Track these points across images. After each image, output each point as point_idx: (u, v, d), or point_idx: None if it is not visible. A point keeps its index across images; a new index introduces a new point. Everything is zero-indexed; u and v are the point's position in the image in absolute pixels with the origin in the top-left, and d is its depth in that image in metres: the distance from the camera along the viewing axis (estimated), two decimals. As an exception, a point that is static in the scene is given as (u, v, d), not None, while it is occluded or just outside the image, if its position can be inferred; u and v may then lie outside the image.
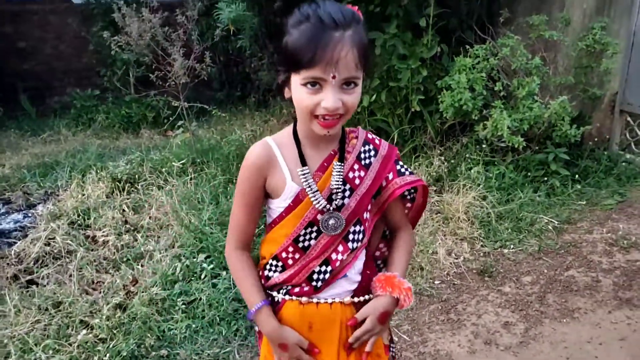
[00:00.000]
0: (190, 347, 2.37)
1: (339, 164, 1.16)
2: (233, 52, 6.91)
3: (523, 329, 2.48)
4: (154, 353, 2.33)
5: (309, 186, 1.14)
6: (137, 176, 4.24)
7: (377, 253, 1.37)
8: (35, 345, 2.30)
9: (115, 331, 2.41)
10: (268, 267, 1.23)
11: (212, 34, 5.73)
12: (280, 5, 6.31)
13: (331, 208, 1.14)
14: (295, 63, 1.01)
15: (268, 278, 1.23)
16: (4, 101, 7.30)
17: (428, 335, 2.48)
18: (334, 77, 0.99)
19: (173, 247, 3.15)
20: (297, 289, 1.20)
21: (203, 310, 2.56)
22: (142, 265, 3.05)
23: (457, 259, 3.07)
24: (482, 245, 3.20)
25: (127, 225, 3.61)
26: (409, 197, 1.34)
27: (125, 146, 5.72)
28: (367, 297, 1.24)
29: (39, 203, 4.34)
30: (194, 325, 2.48)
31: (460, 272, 2.97)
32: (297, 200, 1.15)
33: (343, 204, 1.15)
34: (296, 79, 1.04)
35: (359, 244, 1.20)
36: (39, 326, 2.45)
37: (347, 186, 1.16)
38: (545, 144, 3.87)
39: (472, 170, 3.70)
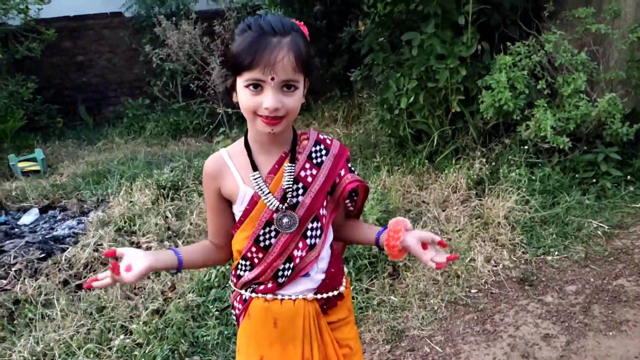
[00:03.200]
0: (223, 353, 2.42)
1: (290, 164, 1.22)
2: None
3: (564, 342, 2.36)
4: (187, 359, 2.40)
5: (260, 188, 1.21)
6: (180, 183, 4.38)
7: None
8: (78, 348, 2.43)
9: (151, 336, 2.50)
10: (239, 267, 1.29)
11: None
12: (320, 9, 6.33)
13: (284, 207, 1.20)
14: (238, 66, 1.10)
15: (239, 277, 1.29)
16: (64, 112, 7.76)
17: (462, 346, 2.40)
18: (272, 79, 1.07)
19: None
20: (262, 287, 1.26)
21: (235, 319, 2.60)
22: (180, 272, 3.14)
23: (496, 266, 2.96)
24: (523, 252, 3.06)
25: (169, 232, 3.74)
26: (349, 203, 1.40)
27: (173, 153, 5.93)
28: (330, 294, 1.30)
29: (91, 210, 4.58)
30: (226, 332, 2.53)
31: (498, 280, 2.86)
32: (253, 203, 1.22)
33: (298, 202, 1.21)
34: (240, 82, 1.12)
35: (318, 240, 1.25)
36: (83, 330, 2.58)
37: (300, 184, 1.22)
38: (594, 144, 3.65)
39: (514, 173, 3.55)
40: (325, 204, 1.26)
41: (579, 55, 3.43)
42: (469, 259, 2.99)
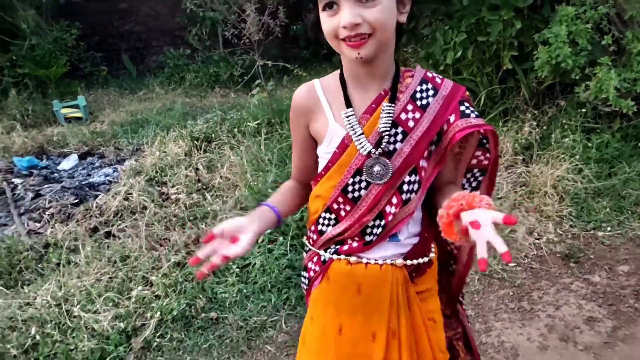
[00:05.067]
0: (240, 311, 2.36)
1: (389, 104, 1.05)
2: (320, 7, 6.68)
3: (610, 327, 2.14)
4: (203, 315, 2.35)
5: (352, 128, 1.06)
6: (213, 135, 4.29)
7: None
8: (98, 296, 2.42)
9: (170, 289, 2.46)
10: (321, 221, 1.16)
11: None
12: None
13: (377, 153, 1.05)
14: None
15: (321, 233, 1.16)
16: (107, 60, 7.79)
17: (493, 323, 2.23)
18: None
19: (236, 209, 3.14)
20: (345, 247, 1.13)
21: (255, 276, 2.52)
22: (206, 225, 3.09)
23: (538, 239, 2.72)
24: (571, 226, 2.80)
25: (199, 184, 3.68)
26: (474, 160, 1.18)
27: (210, 104, 5.84)
28: (421, 260, 1.15)
29: (127, 158, 4.59)
30: (245, 290, 2.46)
31: (540, 254, 2.63)
32: (343, 146, 1.08)
33: (394, 150, 1.06)
34: (320, 9, 1.00)
35: (414, 195, 1.09)
36: (105, 278, 2.57)
37: (399, 129, 1.06)
38: (663, 109, 3.25)
39: (568, 138, 3.23)
40: (426, 154, 1.09)
41: (655, 6, 3.00)
42: (509, 229, 2.76)
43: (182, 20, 7.73)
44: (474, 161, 1.21)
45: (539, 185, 2.97)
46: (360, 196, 1.09)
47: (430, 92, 1.09)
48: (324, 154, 1.13)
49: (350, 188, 1.09)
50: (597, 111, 3.39)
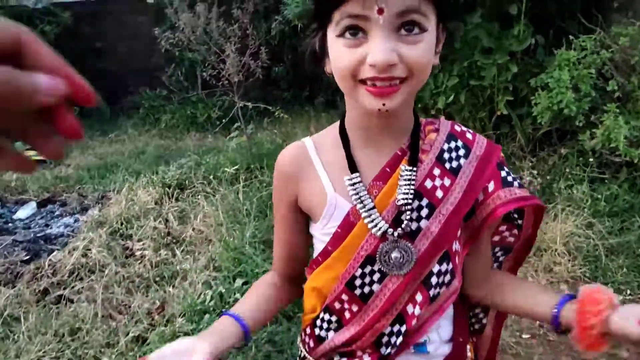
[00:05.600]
0: (209, 401, 1.95)
1: (410, 168, 0.80)
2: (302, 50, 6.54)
3: (649, 417, 1.80)
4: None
5: (361, 201, 0.79)
6: (187, 182, 3.95)
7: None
8: (37, 383, 1.99)
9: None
10: (319, 323, 0.88)
11: (278, 31, 5.38)
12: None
13: (395, 234, 0.78)
14: (323, 2, 0.71)
15: (320, 339, 0.89)
16: (79, 101, 7.44)
17: (512, 413, 1.87)
18: (380, 12, 0.66)
19: (208, 269, 2.77)
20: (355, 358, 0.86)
21: (229, 355, 2.13)
22: (173, 287, 2.70)
23: (552, 305, 2.40)
24: (587, 289, 2.49)
25: (169, 237, 3.30)
26: (505, 230, 0.95)
27: (186, 148, 5.51)
28: None
29: (91, 207, 4.19)
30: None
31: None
32: (347, 224, 0.81)
33: (419, 229, 0.80)
34: (331, 34, 0.72)
35: (443, 289, 0.84)
36: (47, 359, 2.15)
37: (424, 201, 0.80)
38: (672, 159, 3.05)
39: (573, 189, 2.98)
40: (459, 233, 0.84)
41: (662, 51, 2.84)
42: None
43: (160, 60, 7.50)
44: (496, 237, 0.95)
45: (547, 242, 2.68)
46: (372, 292, 0.82)
47: (462, 152, 0.84)
48: (321, 234, 0.86)
49: (358, 282, 0.82)
50: (600, 160, 3.17)
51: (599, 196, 2.93)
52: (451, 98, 3.71)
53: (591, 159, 3.10)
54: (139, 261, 3.04)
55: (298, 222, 0.90)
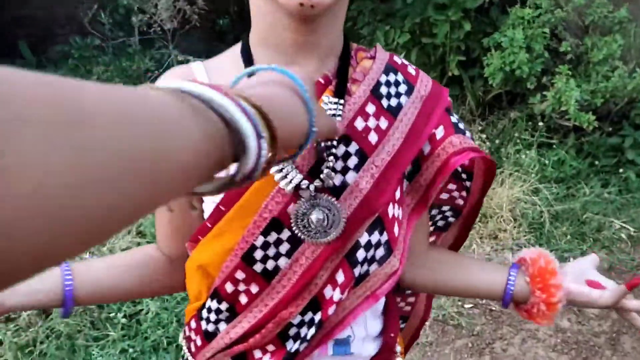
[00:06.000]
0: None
1: (335, 100, 0.61)
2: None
3: (588, 388, 1.75)
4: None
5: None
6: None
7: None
8: None
9: (24, 352, 1.79)
10: (205, 314, 0.67)
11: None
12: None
13: (312, 187, 0.59)
14: None
15: (208, 335, 0.67)
16: (2, 48, 6.73)
17: (451, 387, 1.78)
18: None
19: (131, 234, 2.50)
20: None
21: (147, 330, 1.91)
22: (91, 253, 2.42)
23: (496, 273, 2.32)
24: (531, 256, 2.43)
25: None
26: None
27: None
28: None
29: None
30: (131, 350, 1.84)
31: (500, 292, 2.23)
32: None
33: (344, 184, 0.61)
34: None
35: (374, 268, 0.64)
36: None
37: (353, 147, 0.61)
38: (620, 125, 3.01)
39: (522, 154, 2.89)
40: (399, 194, 0.65)
41: (617, 12, 2.73)
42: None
43: (92, 6, 6.86)
44: (445, 195, 0.78)
45: (492, 208, 2.59)
46: (278, 268, 0.62)
47: (403, 88, 0.66)
48: (208, 197, 0.64)
49: (259, 254, 0.61)
50: (549, 124, 3.09)
51: (547, 162, 2.86)
52: (402, 56, 3.51)
53: (540, 123, 3.01)
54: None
55: None
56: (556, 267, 0.72)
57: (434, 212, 0.81)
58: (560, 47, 2.85)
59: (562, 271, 0.72)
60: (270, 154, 0.35)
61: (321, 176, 0.59)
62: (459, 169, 0.74)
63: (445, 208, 0.80)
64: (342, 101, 0.61)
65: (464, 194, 0.77)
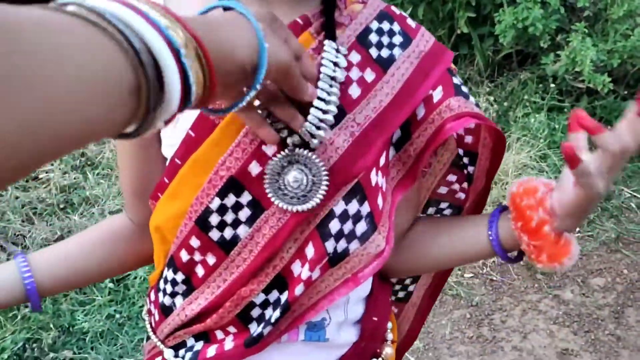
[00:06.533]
0: (106, 348, 1.69)
1: (330, 42, 0.52)
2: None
3: (589, 362, 1.69)
4: (52, 355, 1.66)
5: None
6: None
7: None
8: None
9: (7, 317, 1.74)
10: (162, 285, 0.60)
11: None
12: None
13: (290, 142, 0.50)
14: None
15: (165, 309, 0.60)
16: None
17: (446, 359, 1.72)
18: None
19: (121, 194, 2.43)
20: (211, 349, 0.57)
21: (136, 294, 1.85)
22: (80, 215, 2.36)
23: (498, 241, 2.24)
24: (535, 225, 2.34)
25: (82, 159, 2.89)
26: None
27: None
28: None
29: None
30: (118, 316, 1.79)
31: (501, 262, 2.15)
32: (206, 123, 0.52)
33: (319, 140, 0.51)
34: None
35: (355, 246, 0.55)
36: None
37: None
38: (635, 88, 2.86)
39: (530, 118, 2.76)
40: (384, 161, 0.56)
41: (641, -37, 2.53)
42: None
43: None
44: (444, 189, 0.69)
45: (498, 174, 2.46)
46: (237, 238, 0.54)
47: (397, 39, 0.57)
48: (169, 145, 0.56)
49: (214, 219, 0.53)
50: (560, 87, 2.94)
51: (557, 126, 2.73)
52: (409, 12, 3.33)
53: (552, 85, 2.86)
54: (45, 185, 2.64)
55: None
56: (536, 184, 0.56)
57: (430, 210, 0.71)
58: (577, 3, 2.66)
59: (547, 188, 0.55)
60: (205, 85, 0.31)
61: (300, 130, 0.49)
62: (460, 153, 0.64)
63: (443, 205, 0.70)
64: (344, 49, 0.52)
65: (465, 185, 0.67)
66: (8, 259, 2.09)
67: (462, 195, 0.68)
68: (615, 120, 2.82)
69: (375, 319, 0.63)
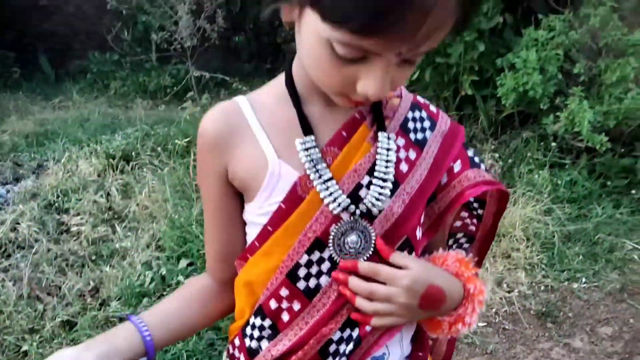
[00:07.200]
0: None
1: (387, 135, 0.67)
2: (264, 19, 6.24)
3: (602, 410, 1.77)
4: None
5: (316, 169, 0.64)
6: (133, 153, 3.67)
7: None
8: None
9: (48, 363, 1.84)
10: (249, 331, 0.71)
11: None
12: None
13: (357, 212, 0.64)
14: (337, 15, 0.50)
15: (251, 352, 0.71)
16: (22, 62, 6.90)
17: (465, 406, 1.79)
18: (398, 55, 0.54)
19: (151, 248, 2.56)
20: None
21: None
22: (111, 267, 2.48)
23: (509, 292, 2.34)
24: (544, 276, 2.45)
25: (110, 213, 3.05)
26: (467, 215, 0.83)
27: (136, 117, 5.17)
28: None
29: (26, 177, 3.85)
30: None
31: (513, 311, 2.25)
32: (294, 197, 0.65)
33: (380, 209, 0.66)
34: (325, 30, 0.52)
35: None
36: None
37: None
38: (632, 146, 3.04)
39: (534, 174, 2.93)
40: (422, 219, 0.72)
41: (631, 35, 2.78)
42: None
43: (111, 22, 7.02)
44: (458, 223, 0.84)
45: (505, 227, 2.61)
46: (319, 286, 0.66)
47: (427, 124, 0.72)
48: (258, 215, 0.67)
49: (302, 272, 0.65)
50: (561, 145, 3.13)
51: (559, 182, 2.89)
52: (416, 75, 3.58)
53: (553, 144, 3.05)
54: (75, 238, 2.79)
55: (233, 206, 0.71)
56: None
57: (450, 241, 0.84)
58: (574, 69, 2.89)
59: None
60: None
61: (365, 202, 0.64)
62: (471, 199, 0.79)
63: (459, 235, 0.84)
64: (392, 144, 0.67)
65: (475, 221, 0.82)
66: (44, 309, 2.20)
67: (473, 228, 0.82)
68: (613, 176, 2.99)
69: (420, 354, 0.76)
